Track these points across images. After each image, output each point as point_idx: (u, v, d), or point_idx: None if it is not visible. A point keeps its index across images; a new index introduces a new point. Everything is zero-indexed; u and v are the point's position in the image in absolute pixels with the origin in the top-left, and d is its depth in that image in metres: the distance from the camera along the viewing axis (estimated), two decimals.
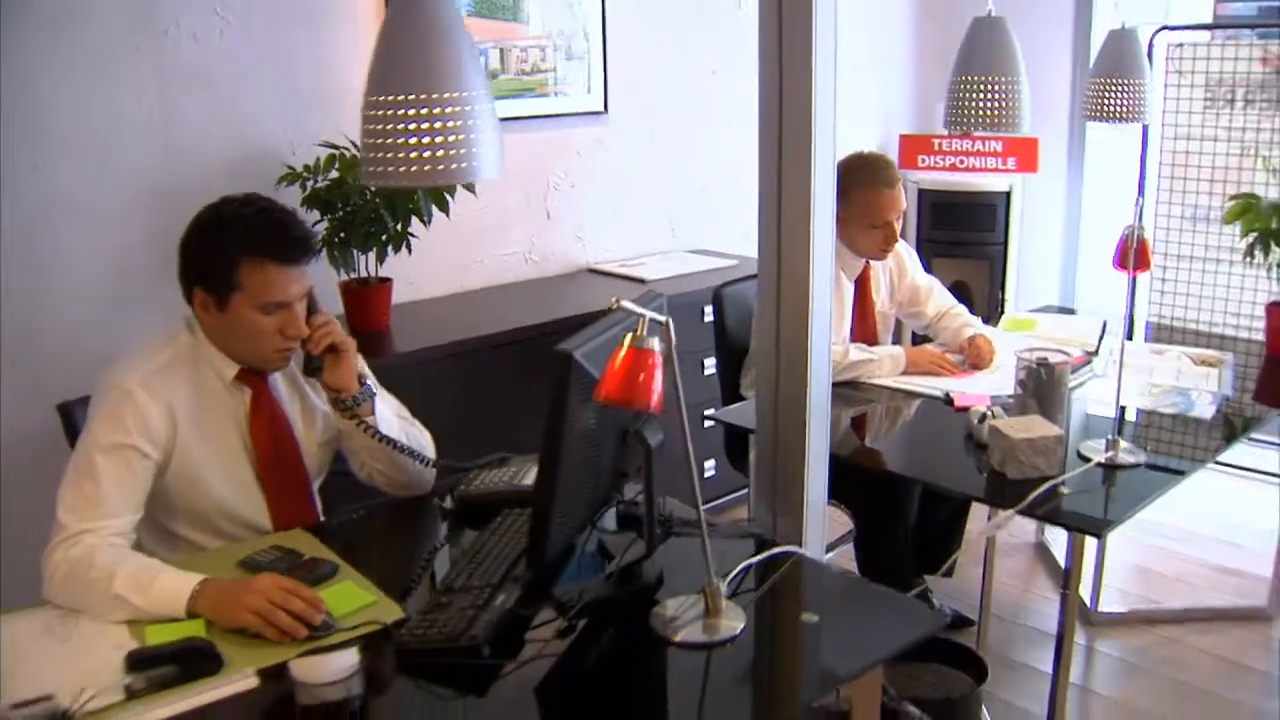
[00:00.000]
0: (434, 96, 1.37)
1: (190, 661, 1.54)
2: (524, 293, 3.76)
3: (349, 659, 1.48)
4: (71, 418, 2.14)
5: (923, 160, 4.87)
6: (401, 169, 1.38)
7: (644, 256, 4.17)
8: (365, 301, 3.22)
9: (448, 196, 3.18)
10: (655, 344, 1.43)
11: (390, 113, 1.39)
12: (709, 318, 3.37)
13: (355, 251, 3.15)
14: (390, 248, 3.18)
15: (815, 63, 1.84)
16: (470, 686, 1.54)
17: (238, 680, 1.53)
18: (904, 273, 3.22)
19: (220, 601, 1.67)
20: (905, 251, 3.23)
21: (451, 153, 1.38)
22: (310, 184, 3.09)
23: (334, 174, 3.12)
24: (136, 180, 2.98)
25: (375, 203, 3.08)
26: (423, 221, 3.17)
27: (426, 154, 1.37)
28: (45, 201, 2.84)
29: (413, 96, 1.37)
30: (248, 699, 1.51)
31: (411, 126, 1.37)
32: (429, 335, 3.23)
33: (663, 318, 1.45)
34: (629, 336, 1.42)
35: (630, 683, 1.61)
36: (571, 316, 3.36)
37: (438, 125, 1.37)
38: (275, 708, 1.51)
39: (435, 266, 3.57)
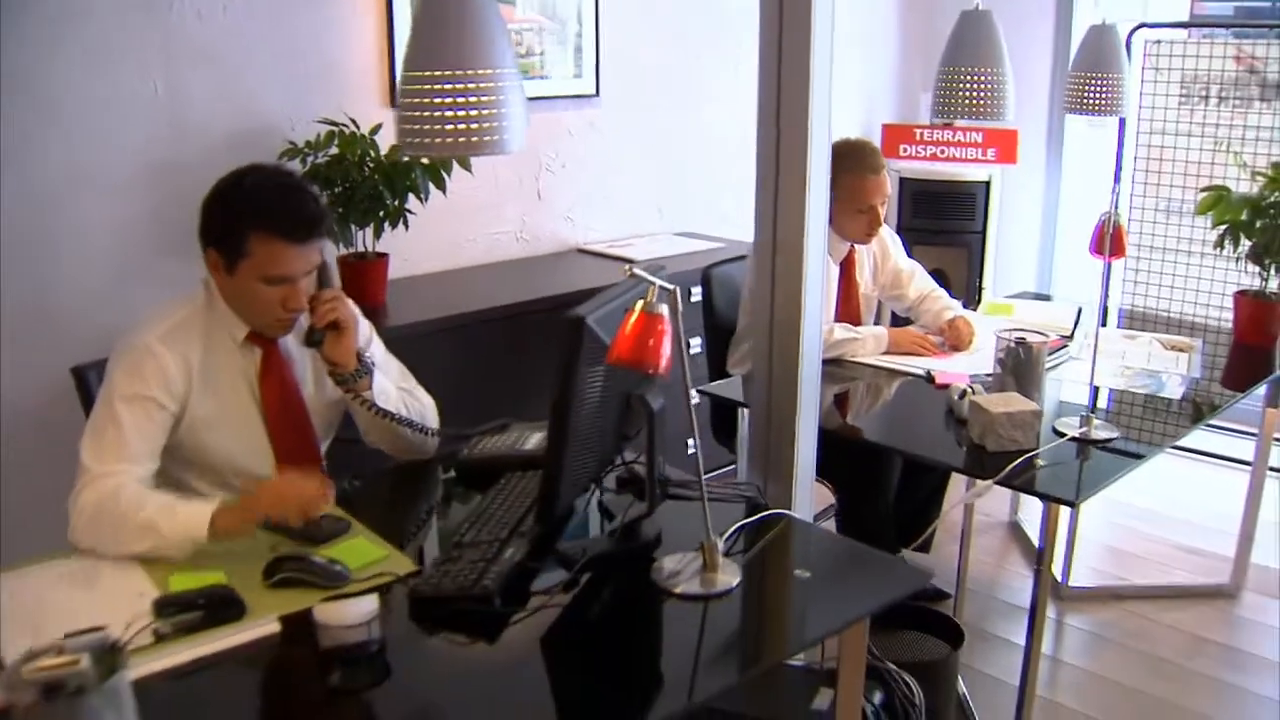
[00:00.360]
0: (470, 73, 1.46)
1: (215, 607, 1.62)
2: (515, 271, 3.84)
3: (369, 604, 1.56)
4: (85, 380, 2.22)
5: (904, 150, 4.96)
6: (438, 140, 1.47)
7: (632, 238, 4.25)
8: (362, 276, 3.28)
9: (444, 174, 3.25)
10: (664, 310, 1.52)
11: (429, 87, 1.47)
12: (695, 298, 3.46)
13: (354, 227, 3.22)
14: (388, 224, 3.24)
15: (813, 50, 1.92)
16: (482, 633, 1.62)
17: (260, 625, 1.62)
18: (887, 256, 3.32)
19: (238, 512, 1.83)
20: (889, 236, 3.33)
21: (486, 125, 1.47)
22: (311, 159, 3.15)
23: (333, 150, 3.18)
24: (142, 154, 3.03)
25: (374, 179, 3.15)
26: (419, 199, 3.24)
27: (462, 126, 1.46)
28: (53, 175, 2.88)
29: (450, 72, 1.46)
30: (270, 643, 1.59)
31: (449, 100, 1.46)
32: (423, 310, 3.30)
33: (671, 286, 1.54)
34: (640, 302, 1.51)
35: (632, 632, 1.70)
36: (560, 294, 3.45)
37: (473, 99, 1.46)
38: (296, 651, 1.59)
39: (430, 243, 3.64)
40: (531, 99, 3.68)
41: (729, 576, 1.72)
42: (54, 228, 2.91)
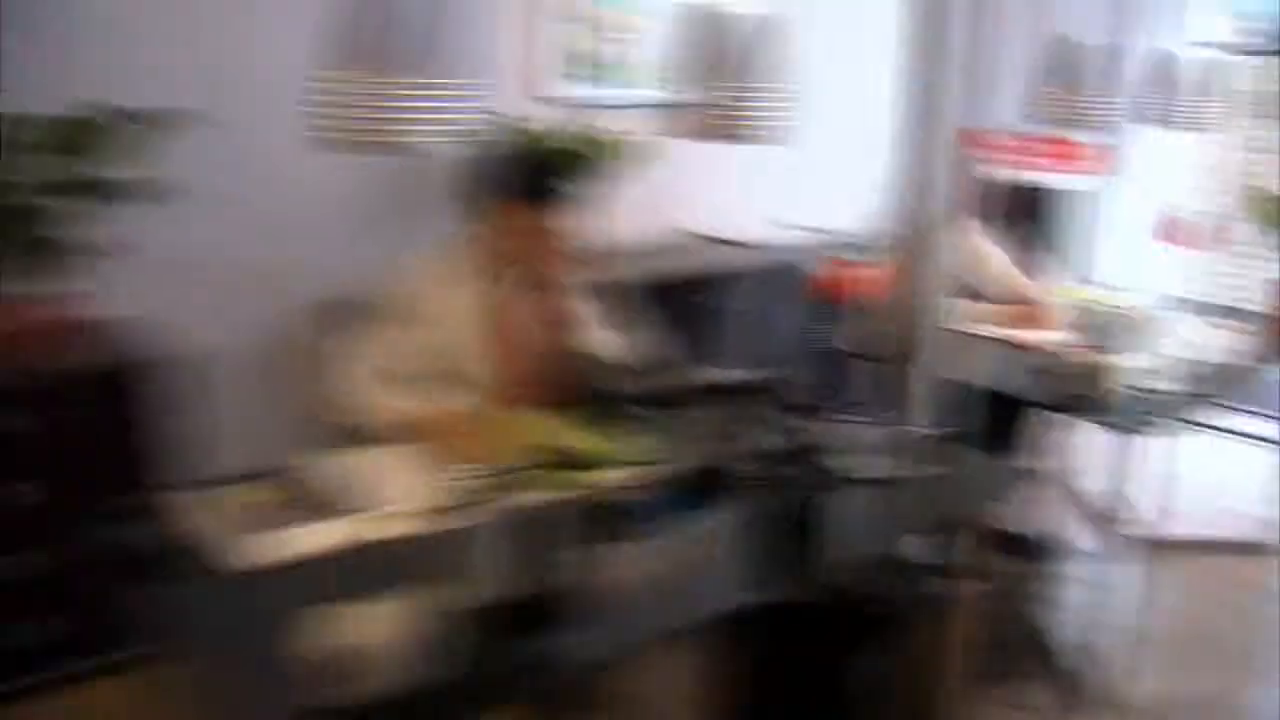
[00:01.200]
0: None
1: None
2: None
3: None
4: (327, 318, 2.80)
5: (979, 154, 5.37)
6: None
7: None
8: None
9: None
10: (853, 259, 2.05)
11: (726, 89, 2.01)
12: None
13: None
14: None
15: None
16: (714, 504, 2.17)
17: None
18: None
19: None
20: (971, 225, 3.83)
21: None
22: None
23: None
24: None
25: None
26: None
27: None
28: (275, 136, 3.26)
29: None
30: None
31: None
32: None
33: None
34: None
35: (821, 510, 2.16)
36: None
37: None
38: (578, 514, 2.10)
39: None
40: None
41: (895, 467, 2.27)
42: (283, 185, 3.40)
